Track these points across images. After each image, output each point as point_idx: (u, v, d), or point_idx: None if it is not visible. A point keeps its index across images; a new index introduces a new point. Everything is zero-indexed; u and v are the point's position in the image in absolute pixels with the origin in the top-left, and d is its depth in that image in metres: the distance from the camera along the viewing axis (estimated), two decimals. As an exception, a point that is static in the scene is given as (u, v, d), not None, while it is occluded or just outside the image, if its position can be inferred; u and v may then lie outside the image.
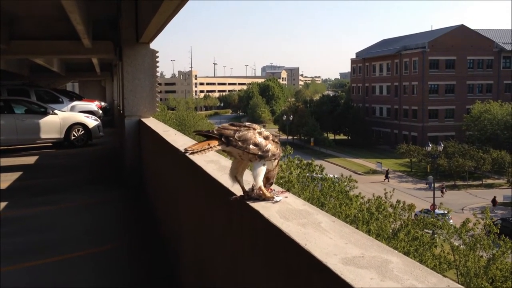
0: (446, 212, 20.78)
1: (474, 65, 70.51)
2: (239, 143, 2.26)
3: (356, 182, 23.23)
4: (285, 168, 21.34)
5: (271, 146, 2.34)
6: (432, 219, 19.73)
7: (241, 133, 2.27)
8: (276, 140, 2.41)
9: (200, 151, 2.20)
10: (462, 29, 70.69)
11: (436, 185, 43.85)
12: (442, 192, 45.52)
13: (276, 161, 2.43)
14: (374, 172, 56.10)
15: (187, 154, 2.19)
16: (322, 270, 1.54)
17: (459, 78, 69.32)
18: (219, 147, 2.27)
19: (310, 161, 22.46)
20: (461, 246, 18.02)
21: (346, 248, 1.67)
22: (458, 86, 69.59)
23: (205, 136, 2.29)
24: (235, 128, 2.30)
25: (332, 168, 48.60)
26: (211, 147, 2.24)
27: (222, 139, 2.24)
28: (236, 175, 2.39)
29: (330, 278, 1.49)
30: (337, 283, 1.44)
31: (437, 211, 35.58)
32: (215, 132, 2.27)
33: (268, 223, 2.03)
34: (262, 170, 2.34)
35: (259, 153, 2.30)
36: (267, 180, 2.45)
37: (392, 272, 1.45)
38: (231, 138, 2.25)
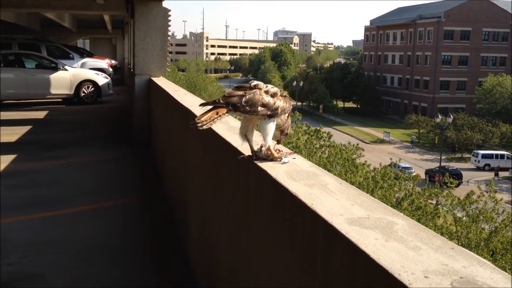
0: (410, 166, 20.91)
1: (489, 37, 69.20)
2: (247, 108, 2.25)
3: (363, 150, 23.21)
4: (293, 134, 21.34)
5: (280, 103, 2.34)
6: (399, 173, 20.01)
7: (248, 97, 2.26)
8: (284, 94, 2.41)
9: (210, 121, 2.22)
10: (479, -1, 69.18)
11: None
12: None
13: (286, 114, 2.44)
14: (382, 141, 55.99)
15: (198, 127, 2.19)
16: (327, 229, 1.56)
17: (473, 50, 68.19)
18: (228, 114, 2.29)
19: (318, 128, 22.41)
20: (464, 218, 18.10)
21: (352, 209, 1.68)
22: (472, 58, 68.55)
23: (212, 106, 2.28)
24: (241, 93, 2.28)
25: (339, 136, 48.50)
26: (220, 115, 2.24)
27: (230, 107, 2.25)
28: (246, 134, 2.40)
29: (335, 237, 1.50)
30: (342, 242, 1.46)
31: (401, 164, 35.75)
32: (222, 101, 2.25)
33: (275, 182, 2.05)
34: (271, 129, 2.36)
35: (269, 113, 2.31)
36: (282, 132, 2.51)
37: (396, 234, 1.46)
38: (238, 105, 2.25)
